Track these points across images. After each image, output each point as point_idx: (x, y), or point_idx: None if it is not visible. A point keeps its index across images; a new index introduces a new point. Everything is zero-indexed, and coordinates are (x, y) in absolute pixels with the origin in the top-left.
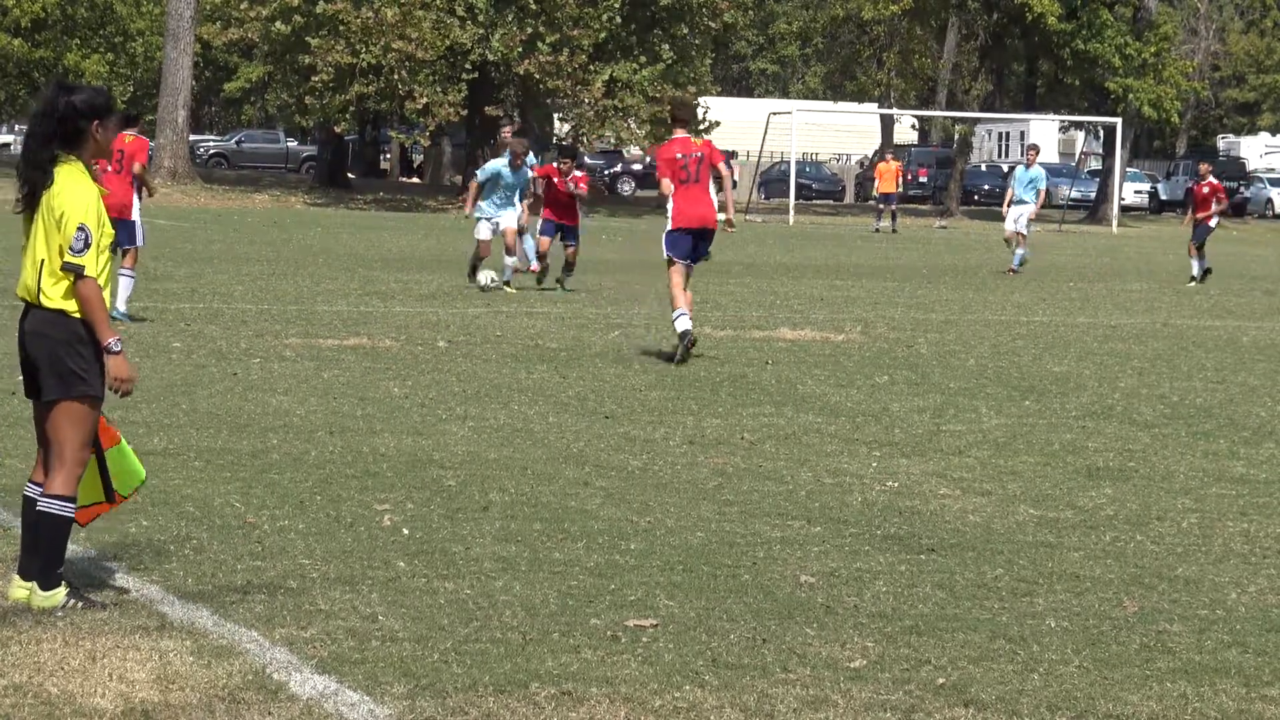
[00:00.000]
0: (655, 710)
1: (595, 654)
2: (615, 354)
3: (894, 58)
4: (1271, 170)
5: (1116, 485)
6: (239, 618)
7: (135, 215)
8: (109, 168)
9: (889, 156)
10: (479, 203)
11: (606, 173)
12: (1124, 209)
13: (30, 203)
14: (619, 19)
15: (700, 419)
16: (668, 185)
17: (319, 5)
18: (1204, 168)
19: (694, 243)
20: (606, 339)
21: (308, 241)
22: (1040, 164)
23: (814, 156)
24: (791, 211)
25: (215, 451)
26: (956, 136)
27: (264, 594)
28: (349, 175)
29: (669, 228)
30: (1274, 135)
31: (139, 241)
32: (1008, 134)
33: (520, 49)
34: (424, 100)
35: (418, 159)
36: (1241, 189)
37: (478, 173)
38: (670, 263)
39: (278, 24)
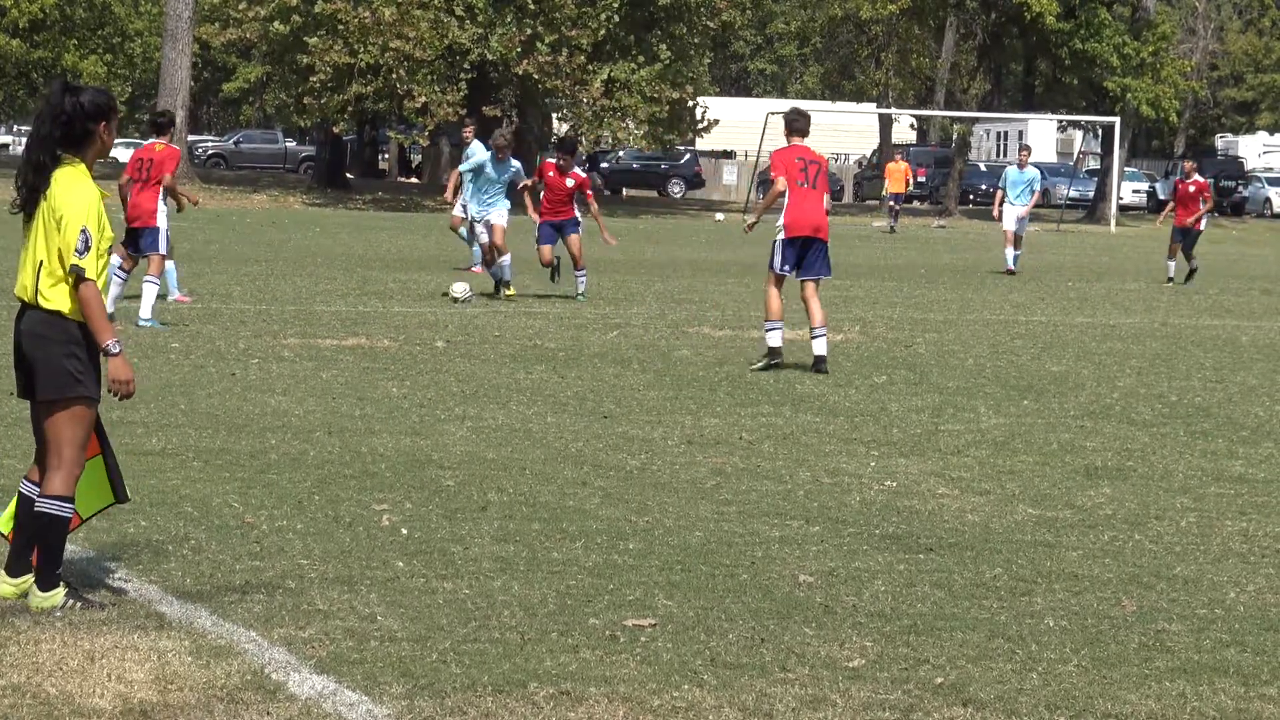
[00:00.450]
0: (654, 710)
1: (594, 654)
2: (614, 354)
3: (892, 57)
4: (1270, 169)
5: (1115, 484)
6: (237, 618)
7: (160, 222)
8: (136, 177)
9: (898, 157)
10: (469, 201)
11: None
12: (1122, 208)
13: (30, 203)
14: (617, 19)
15: (699, 419)
16: (782, 184)
17: (317, 5)
18: (1189, 165)
19: (800, 254)
20: (605, 339)
21: (306, 242)
22: (1034, 164)
23: None
24: None
25: (214, 451)
26: (955, 136)
27: (262, 594)
28: (347, 175)
29: (780, 237)
30: (1272, 134)
31: (162, 249)
32: (1006, 133)
33: (519, 49)
34: (422, 100)
35: (416, 159)
36: (1240, 188)
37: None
38: (773, 275)
39: (276, 24)
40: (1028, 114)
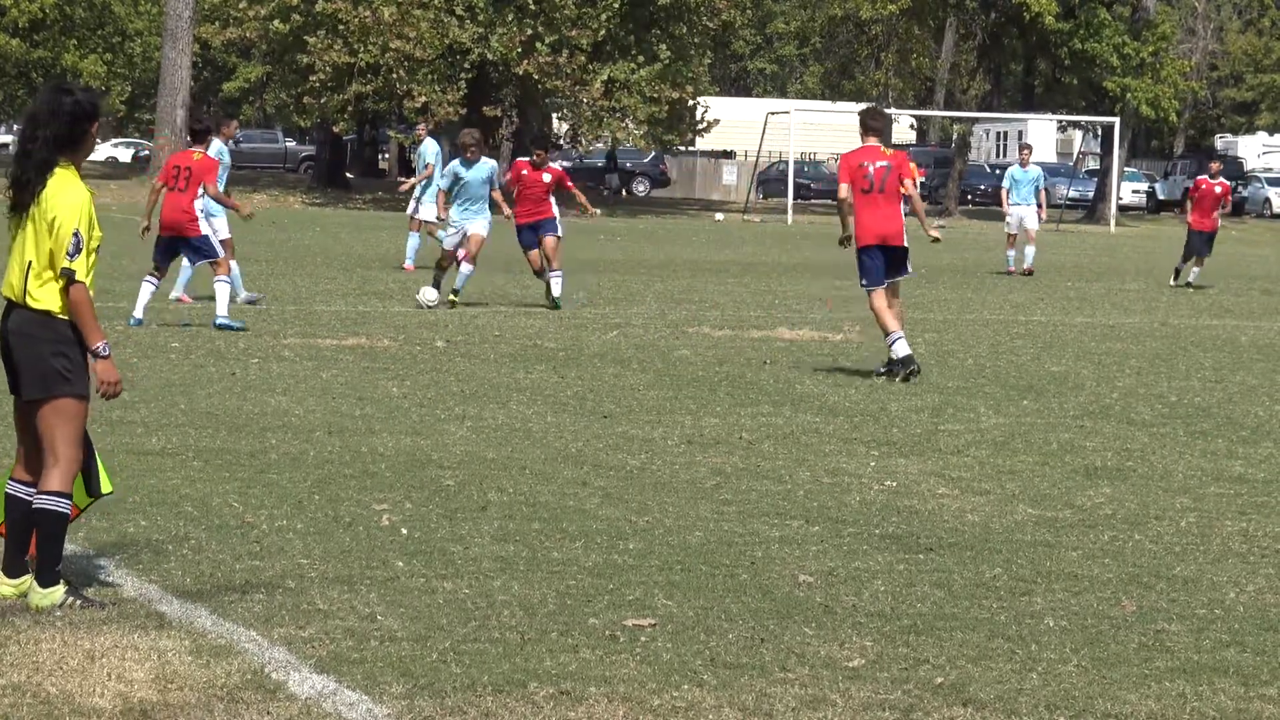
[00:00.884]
0: (654, 709)
1: (594, 653)
2: (614, 354)
3: (892, 57)
4: (1269, 170)
5: (1115, 484)
6: (237, 617)
7: (204, 229)
8: (171, 184)
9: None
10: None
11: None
12: (1122, 208)
13: (20, 204)
14: (617, 19)
15: (698, 418)
16: (845, 190)
17: (318, 4)
18: (1215, 166)
19: (886, 261)
20: (604, 339)
21: (306, 241)
22: (1035, 164)
23: (812, 156)
24: (790, 211)
25: (214, 451)
26: (955, 136)
27: (262, 593)
28: (347, 175)
29: (857, 247)
30: (1272, 135)
31: (220, 253)
32: (1005, 133)
33: (519, 49)
34: (422, 100)
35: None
36: (1240, 188)
37: (439, 180)
38: (869, 291)
39: (276, 23)
40: (1027, 114)
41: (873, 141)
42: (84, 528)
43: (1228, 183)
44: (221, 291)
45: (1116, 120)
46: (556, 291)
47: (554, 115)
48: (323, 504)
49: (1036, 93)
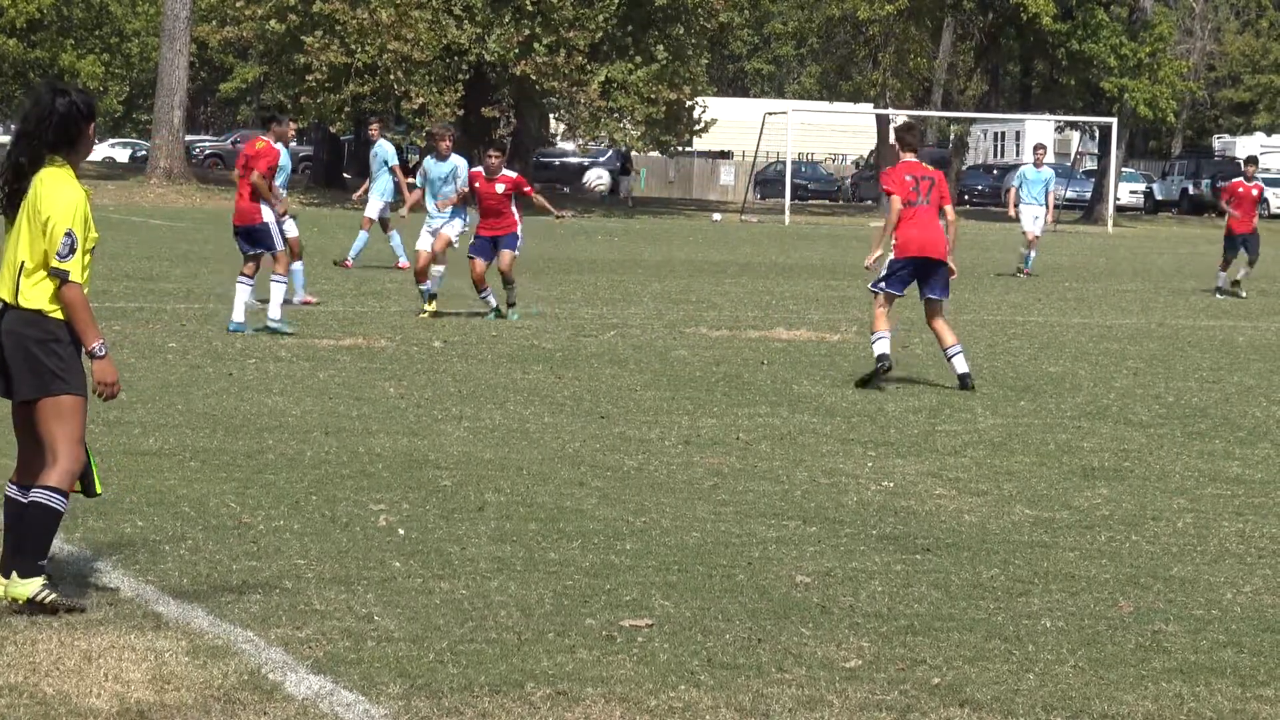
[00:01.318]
0: (650, 710)
1: (591, 654)
2: (611, 354)
3: (889, 58)
4: (1267, 170)
5: (1112, 485)
6: (234, 618)
7: (266, 218)
8: (243, 174)
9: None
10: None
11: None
12: (1119, 209)
13: (12, 204)
14: (615, 20)
15: (695, 419)
16: (897, 203)
17: (315, 4)
18: (1251, 168)
19: (913, 275)
20: (602, 339)
21: (304, 241)
22: (1047, 164)
23: (810, 156)
24: (787, 211)
25: (211, 451)
26: (952, 137)
27: (259, 594)
28: (344, 175)
29: (891, 255)
30: (1269, 135)
31: (278, 246)
32: (1003, 134)
33: (517, 50)
34: (420, 100)
35: (413, 159)
36: None
37: (415, 180)
38: (876, 294)
39: (273, 23)
40: (1025, 115)
41: (910, 158)
42: (80, 528)
43: (1262, 184)
44: (276, 291)
45: (1114, 121)
46: (507, 302)
47: (551, 116)
48: (320, 504)
49: (1034, 93)
